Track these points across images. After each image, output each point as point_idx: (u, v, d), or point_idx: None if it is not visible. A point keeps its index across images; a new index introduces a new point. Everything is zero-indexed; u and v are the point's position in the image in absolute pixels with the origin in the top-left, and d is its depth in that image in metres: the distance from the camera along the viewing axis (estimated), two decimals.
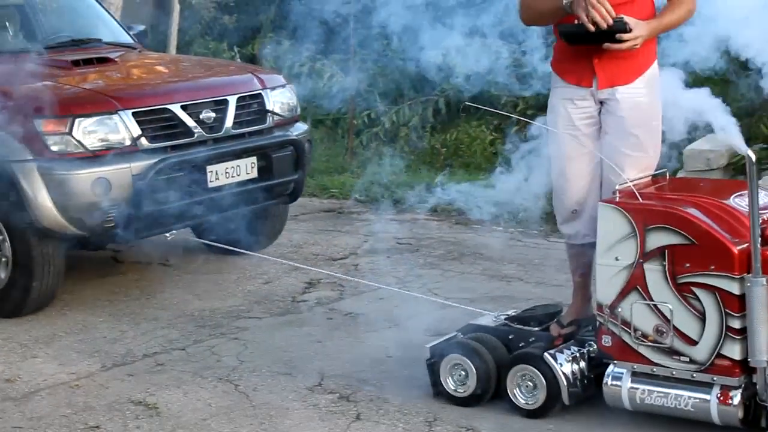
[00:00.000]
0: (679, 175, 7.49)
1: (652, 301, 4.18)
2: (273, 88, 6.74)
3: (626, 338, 4.26)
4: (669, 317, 4.14)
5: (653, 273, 4.15)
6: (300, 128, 6.91)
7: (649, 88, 4.52)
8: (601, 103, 4.55)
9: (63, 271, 6.19)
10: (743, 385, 4.07)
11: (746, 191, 4.12)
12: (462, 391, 4.64)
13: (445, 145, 9.86)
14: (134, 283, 6.72)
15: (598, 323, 4.36)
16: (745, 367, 4.05)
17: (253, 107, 6.58)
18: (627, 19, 4.30)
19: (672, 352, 4.16)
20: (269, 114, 6.64)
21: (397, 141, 10.02)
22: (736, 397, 4.06)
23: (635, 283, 4.20)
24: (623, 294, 4.24)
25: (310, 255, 7.24)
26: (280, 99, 6.75)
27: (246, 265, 6.90)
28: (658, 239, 4.13)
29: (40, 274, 6.04)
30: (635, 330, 4.22)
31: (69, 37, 7.22)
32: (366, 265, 6.96)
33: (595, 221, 4.44)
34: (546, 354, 4.43)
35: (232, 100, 6.43)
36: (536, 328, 4.75)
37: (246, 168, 6.39)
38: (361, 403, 4.77)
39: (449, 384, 4.67)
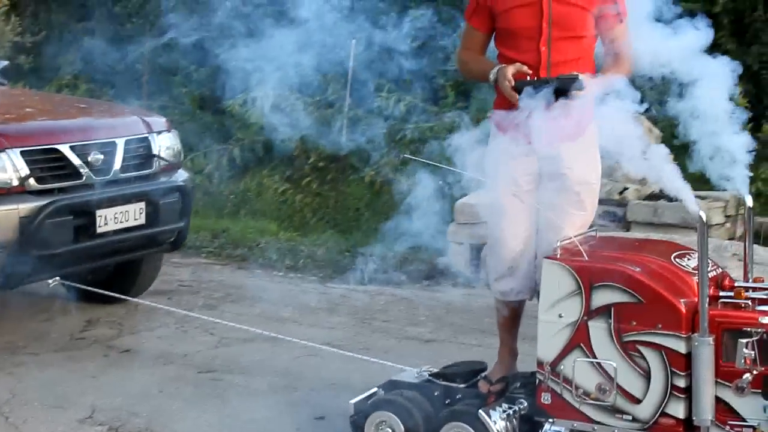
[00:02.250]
0: (450, 226, 7.98)
1: (596, 358, 4.15)
2: (159, 132, 6.57)
3: (567, 396, 4.22)
4: (612, 375, 4.12)
5: (598, 330, 4.13)
6: (183, 175, 6.74)
7: (591, 146, 4.55)
8: (542, 159, 4.55)
9: None
10: None
11: (684, 251, 4.26)
12: None
13: (234, 192, 10.14)
14: None
15: (537, 380, 4.30)
16: (689, 425, 4.05)
17: (139, 151, 6.38)
18: (581, 76, 4.32)
19: (614, 411, 4.14)
20: (155, 159, 6.45)
21: None
22: None
23: (579, 341, 4.17)
24: (566, 351, 4.20)
25: None
26: (165, 144, 6.58)
27: (27, 302, 6.96)
28: (604, 297, 4.12)
29: None
30: (577, 388, 4.18)
31: None
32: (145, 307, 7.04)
33: (530, 279, 4.48)
34: (480, 411, 4.36)
35: (120, 143, 6.24)
36: (462, 385, 4.70)
37: (134, 214, 6.20)
38: None
39: None
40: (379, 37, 8.99)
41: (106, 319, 6.71)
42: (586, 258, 4.20)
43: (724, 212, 7.76)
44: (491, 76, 4.49)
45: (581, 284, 4.13)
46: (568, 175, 4.53)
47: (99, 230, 5.97)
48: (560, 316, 4.18)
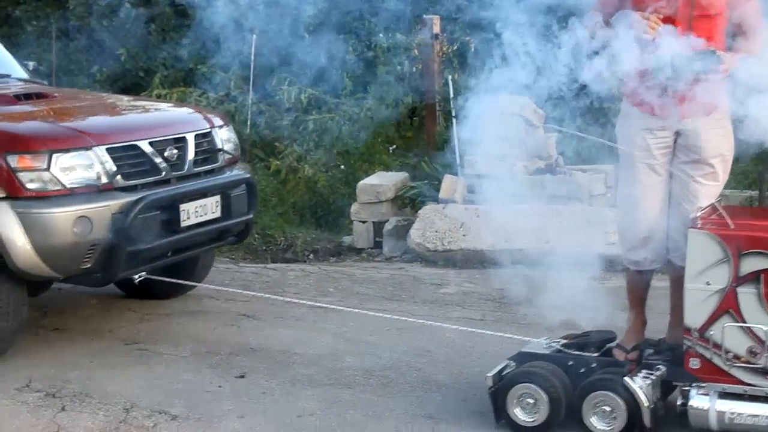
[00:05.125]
0: (354, 206, 8.53)
1: (746, 323, 4.29)
2: (219, 127, 6.60)
3: (716, 360, 4.35)
4: (764, 338, 4.27)
5: (747, 296, 4.28)
6: (244, 168, 6.84)
7: (726, 120, 4.67)
8: (677, 133, 4.69)
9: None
10: None
11: None
12: (531, 420, 4.63)
13: None
14: None
15: (685, 346, 4.43)
16: None
17: (206, 145, 6.41)
18: (718, 52, 4.44)
19: (766, 373, 4.29)
20: (220, 152, 6.51)
21: None
22: None
23: (727, 307, 4.31)
24: (714, 317, 4.34)
25: None
26: (226, 137, 6.62)
27: None
28: (753, 264, 4.27)
29: (5, 319, 5.66)
30: (727, 352, 4.32)
31: None
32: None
33: (663, 248, 4.64)
34: (625, 378, 4.48)
35: (191, 138, 6.26)
36: (596, 354, 4.81)
37: (212, 207, 6.24)
38: (66, 398, 5.31)
39: (517, 414, 4.65)
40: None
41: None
42: (732, 226, 4.35)
43: None
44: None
45: (729, 252, 4.29)
46: (704, 147, 4.66)
47: (183, 224, 6.01)
48: (708, 283, 4.33)
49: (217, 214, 6.28)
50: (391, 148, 9.70)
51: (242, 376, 5.59)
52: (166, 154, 6.04)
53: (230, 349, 6.04)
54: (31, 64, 7.55)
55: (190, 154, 6.22)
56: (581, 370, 4.70)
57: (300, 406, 5.18)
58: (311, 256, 8.33)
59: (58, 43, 11.77)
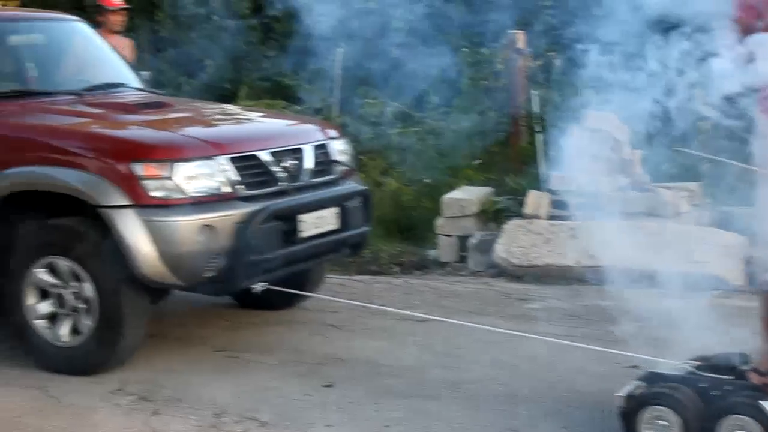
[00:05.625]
0: (439, 220, 8.60)
1: None
2: (334, 139, 6.61)
3: None
4: None
5: None
6: (358, 180, 6.85)
7: None
8: None
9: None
10: None
11: None
12: None
13: None
14: None
15: None
16: None
17: (322, 157, 6.41)
18: None
19: None
20: (336, 164, 6.52)
21: None
22: None
23: None
24: None
25: None
26: (341, 149, 6.63)
27: None
28: None
29: (130, 327, 5.76)
30: None
31: (101, 81, 7.03)
32: None
33: None
34: (762, 402, 4.38)
35: (308, 149, 6.27)
36: (730, 377, 4.66)
37: (330, 218, 6.25)
38: (159, 402, 5.47)
39: None
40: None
41: None
42: None
43: None
44: None
45: None
46: None
47: (301, 235, 6.04)
48: None
49: (335, 225, 6.30)
50: (475, 162, 9.73)
51: (330, 386, 5.69)
52: (284, 164, 6.08)
53: (318, 358, 6.14)
54: (145, 74, 7.65)
55: (308, 165, 6.24)
56: (715, 393, 4.58)
57: (387, 416, 5.26)
58: (396, 268, 8.40)
59: (146, 54, 12.00)
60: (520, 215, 8.34)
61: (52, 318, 5.88)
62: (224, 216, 5.67)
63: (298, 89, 12.00)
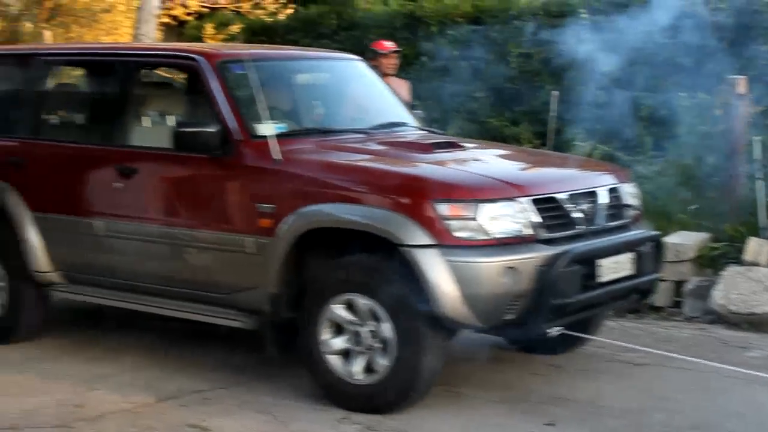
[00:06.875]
0: None
1: None
2: (625, 182, 6.55)
3: None
4: None
5: None
6: (647, 224, 6.76)
7: None
8: None
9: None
10: None
11: None
12: None
13: None
14: None
15: None
16: None
17: (615, 201, 6.31)
18: None
19: None
20: (627, 208, 6.45)
21: None
22: None
23: None
24: None
25: None
26: (631, 192, 6.56)
27: None
28: None
29: (428, 369, 5.76)
30: None
31: (384, 120, 7.15)
32: None
33: None
34: None
35: (602, 192, 6.20)
36: None
37: (626, 264, 6.16)
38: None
39: None
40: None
41: None
42: None
43: None
44: None
45: None
46: None
47: (599, 280, 5.95)
48: None
49: (631, 271, 6.21)
50: (691, 208, 9.59)
51: (552, 424, 5.73)
52: (581, 207, 6.02)
53: (538, 396, 6.20)
54: (419, 113, 7.73)
55: (603, 208, 6.18)
56: None
57: None
58: (611, 312, 8.35)
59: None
60: (739, 262, 8.19)
61: (346, 354, 5.94)
62: (527, 258, 5.62)
63: (505, 129, 12.09)
